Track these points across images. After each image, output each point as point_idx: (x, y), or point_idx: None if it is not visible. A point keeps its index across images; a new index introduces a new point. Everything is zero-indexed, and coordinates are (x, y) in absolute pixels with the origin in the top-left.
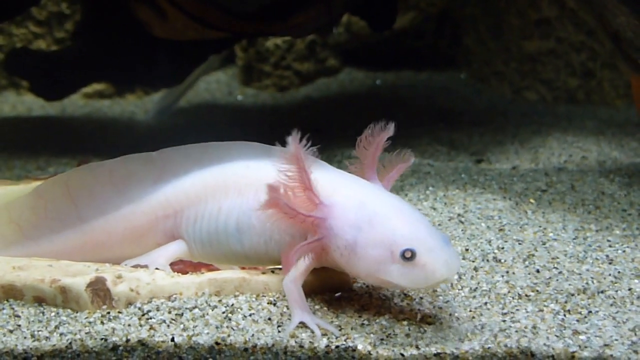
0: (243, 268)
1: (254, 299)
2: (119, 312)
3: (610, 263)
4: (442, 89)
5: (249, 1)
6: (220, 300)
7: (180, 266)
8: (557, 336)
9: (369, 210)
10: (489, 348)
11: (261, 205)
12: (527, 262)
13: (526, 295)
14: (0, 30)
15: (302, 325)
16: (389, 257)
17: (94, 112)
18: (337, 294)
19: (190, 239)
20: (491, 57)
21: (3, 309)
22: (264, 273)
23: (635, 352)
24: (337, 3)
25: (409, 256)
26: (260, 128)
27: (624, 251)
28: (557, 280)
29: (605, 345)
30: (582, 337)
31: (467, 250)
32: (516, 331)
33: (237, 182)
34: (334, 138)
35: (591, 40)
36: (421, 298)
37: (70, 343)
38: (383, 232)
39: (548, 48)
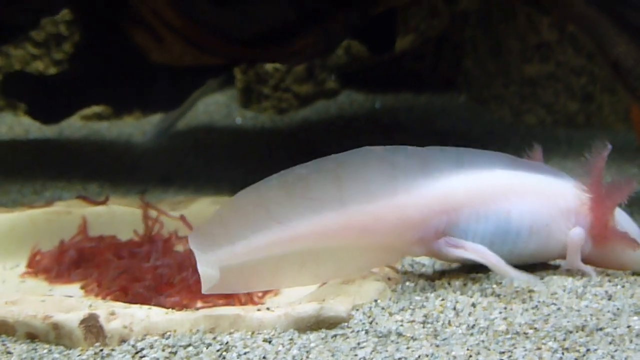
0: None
1: (248, 336)
2: (112, 350)
3: (609, 299)
4: (441, 111)
5: (246, 27)
6: (214, 338)
7: (177, 298)
8: None
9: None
10: None
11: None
12: (525, 298)
13: (524, 333)
14: None
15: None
16: None
17: (92, 134)
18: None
19: (468, 237)
20: (491, 80)
21: None
22: (259, 310)
23: None
24: (335, 29)
25: None
26: (259, 151)
27: (623, 286)
28: (556, 316)
29: None
30: None
31: (465, 285)
32: None
33: (516, 189)
34: None
35: (591, 64)
36: (419, 338)
37: None
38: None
39: (548, 72)
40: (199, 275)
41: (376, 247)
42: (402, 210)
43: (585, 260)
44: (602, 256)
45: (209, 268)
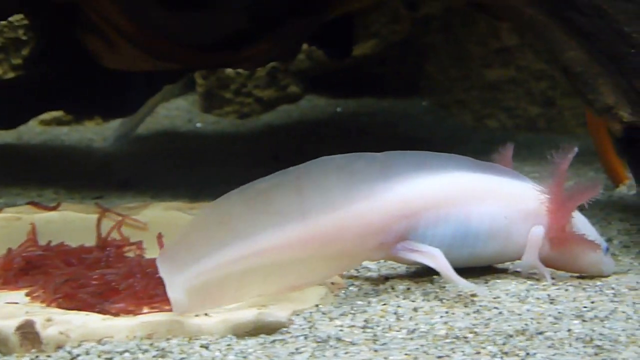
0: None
1: (186, 342)
2: (48, 356)
3: (551, 303)
4: (403, 116)
5: (199, 33)
6: (152, 344)
7: (122, 305)
8: None
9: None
10: None
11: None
12: (467, 302)
13: (464, 337)
14: None
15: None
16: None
17: (51, 140)
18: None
19: (427, 240)
20: (453, 84)
21: None
22: (197, 315)
23: None
24: (289, 35)
25: None
26: (220, 156)
27: (566, 290)
28: (497, 321)
29: None
30: None
31: (408, 289)
32: None
33: (476, 192)
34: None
35: (551, 69)
36: (358, 343)
37: None
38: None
39: (509, 76)
40: (146, 281)
41: (338, 255)
42: (362, 218)
43: (543, 263)
44: (559, 259)
45: (179, 293)
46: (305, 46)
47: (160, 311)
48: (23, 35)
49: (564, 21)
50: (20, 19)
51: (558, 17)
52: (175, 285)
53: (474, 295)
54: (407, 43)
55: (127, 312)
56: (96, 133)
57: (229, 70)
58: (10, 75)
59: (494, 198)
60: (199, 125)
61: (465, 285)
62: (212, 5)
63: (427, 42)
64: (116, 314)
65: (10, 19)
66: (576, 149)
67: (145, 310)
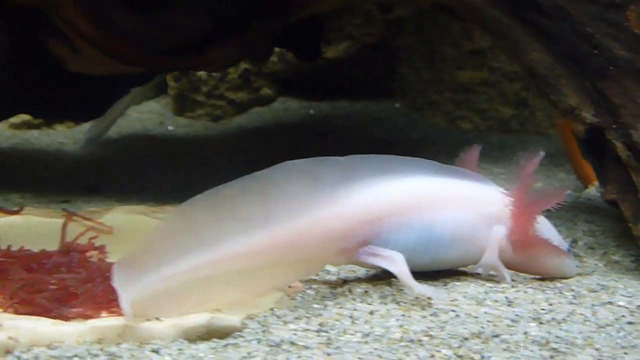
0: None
1: (136, 347)
2: None
3: (509, 305)
4: (377, 118)
5: (161, 37)
6: (102, 349)
7: (80, 309)
8: None
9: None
10: None
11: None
12: (424, 305)
13: (419, 340)
14: None
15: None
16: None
17: (21, 144)
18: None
19: (390, 245)
20: (425, 86)
21: None
22: (148, 320)
23: None
24: (253, 38)
25: None
26: (191, 159)
27: (525, 292)
28: (453, 323)
29: None
30: None
31: (366, 292)
32: None
33: (439, 197)
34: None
35: (522, 70)
36: (312, 347)
37: None
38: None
39: (481, 78)
40: (106, 285)
41: (301, 261)
42: (325, 224)
43: (506, 266)
44: (522, 262)
45: (129, 305)
46: (277, 48)
47: (118, 316)
48: None
49: (526, 22)
50: None
51: (521, 18)
52: (127, 296)
53: (431, 298)
54: (380, 45)
55: (85, 317)
56: (67, 137)
57: (201, 73)
58: None
59: (457, 203)
60: (170, 128)
61: (421, 291)
62: (175, 8)
63: (400, 45)
64: (73, 319)
65: None
66: (543, 153)
67: (104, 314)
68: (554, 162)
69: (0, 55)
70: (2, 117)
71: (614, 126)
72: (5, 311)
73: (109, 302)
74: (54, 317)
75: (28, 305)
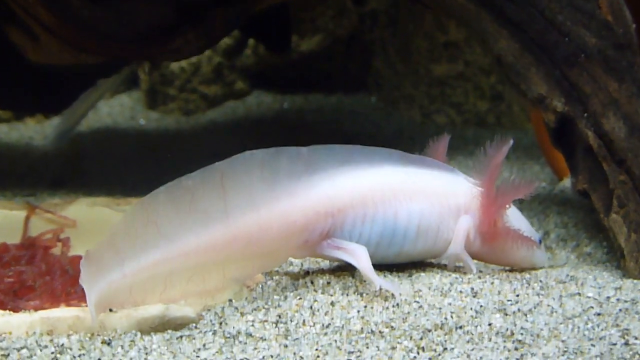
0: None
1: (87, 339)
2: None
3: (474, 296)
4: (351, 112)
5: (122, 26)
6: (51, 340)
7: (37, 302)
8: None
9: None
10: None
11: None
12: (387, 296)
13: (380, 332)
14: None
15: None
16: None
17: None
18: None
19: (353, 238)
20: (400, 80)
21: None
22: (103, 312)
23: None
24: (215, 27)
25: None
26: (160, 153)
27: (492, 283)
28: (416, 315)
29: None
30: None
31: (328, 284)
32: None
33: (405, 188)
34: None
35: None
36: (269, 338)
37: None
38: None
39: (457, 71)
40: (65, 278)
41: (262, 255)
42: (286, 217)
43: (475, 258)
44: (491, 253)
45: (95, 304)
46: (251, 42)
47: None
48: None
49: (494, 10)
50: None
51: (488, 5)
52: (93, 296)
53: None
54: (354, 38)
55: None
56: (36, 131)
57: (174, 66)
58: None
59: (423, 194)
60: (142, 122)
61: (383, 285)
62: None
63: (374, 37)
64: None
65: None
66: (512, 142)
67: (62, 307)
68: (529, 155)
69: None
70: None
71: (585, 115)
72: None
73: (67, 295)
74: (10, 310)
75: None
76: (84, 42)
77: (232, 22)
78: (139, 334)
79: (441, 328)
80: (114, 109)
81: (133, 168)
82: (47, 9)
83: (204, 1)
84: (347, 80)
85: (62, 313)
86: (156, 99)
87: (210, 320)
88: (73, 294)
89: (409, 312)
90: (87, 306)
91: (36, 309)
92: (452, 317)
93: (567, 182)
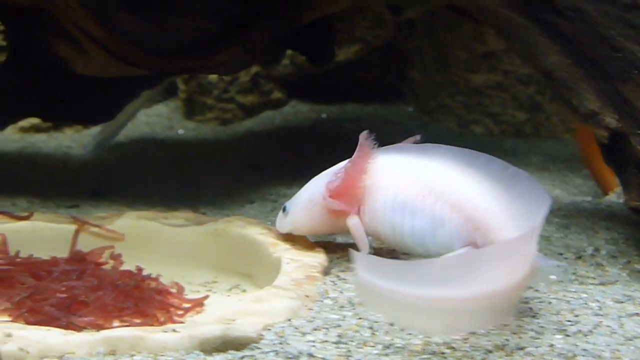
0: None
1: (150, 359)
2: None
3: (534, 317)
4: (387, 122)
5: (169, 39)
6: None
7: (91, 318)
8: None
9: None
10: None
11: None
12: None
13: (441, 353)
14: None
15: None
16: None
17: (27, 147)
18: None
19: None
20: (437, 90)
21: None
22: (164, 331)
23: None
24: (262, 40)
25: None
26: (198, 163)
27: (549, 302)
28: (476, 336)
29: None
30: None
31: None
32: None
33: None
34: (270, 174)
35: (539, 74)
36: (331, 358)
37: None
38: None
39: (495, 81)
40: (116, 293)
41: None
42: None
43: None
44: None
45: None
46: (288, 51)
47: (130, 325)
48: (2, 40)
49: (543, 24)
50: None
51: (537, 19)
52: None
53: None
54: (391, 48)
55: (96, 326)
56: (74, 140)
57: (211, 76)
58: None
59: None
60: (180, 132)
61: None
62: (181, 9)
63: (411, 47)
64: (83, 328)
65: None
66: (418, 137)
67: (116, 324)
68: (570, 167)
69: (8, 57)
70: (11, 121)
71: (638, 131)
72: (15, 320)
73: (120, 310)
74: (64, 326)
75: (37, 314)
76: (131, 55)
77: (279, 35)
78: (201, 354)
79: (502, 349)
80: (152, 118)
81: (172, 178)
82: (96, 23)
83: (250, 14)
84: (383, 90)
85: (124, 332)
86: (194, 109)
87: (271, 340)
88: (126, 309)
89: (470, 333)
90: (139, 324)
91: (90, 325)
92: (513, 337)
93: (612, 197)
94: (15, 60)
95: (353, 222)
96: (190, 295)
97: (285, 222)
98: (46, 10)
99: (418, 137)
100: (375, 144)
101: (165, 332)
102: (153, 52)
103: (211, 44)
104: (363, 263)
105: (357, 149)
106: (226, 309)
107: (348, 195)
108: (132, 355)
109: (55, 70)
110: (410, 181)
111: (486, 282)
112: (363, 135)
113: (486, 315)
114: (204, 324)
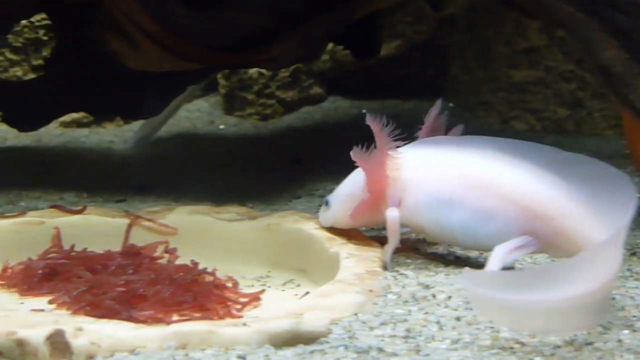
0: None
1: (222, 353)
2: None
3: None
4: None
5: (223, 33)
6: (187, 354)
7: (151, 312)
8: None
9: None
10: None
11: None
12: None
13: (510, 348)
14: None
15: None
16: None
17: (70, 142)
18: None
19: None
20: (479, 86)
21: None
22: (234, 325)
23: None
24: (316, 34)
25: None
26: (240, 158)
27: (613, 298)
28: None
29: None
30: None
31: (449, 298)
32: None
33: None
34: (315, 170)
35: (581, 70)
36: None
37: None
38: None
39: (537, 77)
40: (174, 287)
41: None
42: None
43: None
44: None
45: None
46: (329, 46)
47: (190, 319)
48: (44, 35)
49: (603, 19)
50: (40, 19)
51: (597, 14)
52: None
53: None
54: (432, 43)
55: (156, 320)
56: (116, 135)
57: (252, 71)
58: (31, 76)
59: None
60: (221, 127)
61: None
62: (235, 4)
63: (452, 43)
64: (144, 322)
65: (31, 19)
66: (461, 127)
67: (175, 317)
68: (613, 164)
69: (54, 51)
70: (57, 115)
71: None
72: (75, 313)
73: (178, 304)
74: (124, 320)
75: (97, 308)
76: (184, 49)
77: (332, 30)
78: (272, 348)
79: (571, 344)
80: (193, 113)
81: (215, 173)
82: (150, 18)
83: (303, 9)
84: (424, 85)
85: (195, 327)
86: (234, 104)
87: (340, 335)
88: (184, 303)
89: None
90: (199, 318)
91: (150, 318)
92: (580, 333)
93: None
94: (61, 55)
95: (392, 215)
96: (244, 289)
97: (328, 215)
98: (99, 5)
99: (461, 127)
100: (392, 133)
101: (236, 326)
102: (206, 46)
103: (266, 38)
104: (471, 279)
105: (376, 140)
106: (294, 304)
107: (377, 189)
108: (203, 350)
109: (101, 65)
110: (454, 175)
111: (595, 279)
112: (377, 126)
113: (597, 311)
114: (274, 318)
